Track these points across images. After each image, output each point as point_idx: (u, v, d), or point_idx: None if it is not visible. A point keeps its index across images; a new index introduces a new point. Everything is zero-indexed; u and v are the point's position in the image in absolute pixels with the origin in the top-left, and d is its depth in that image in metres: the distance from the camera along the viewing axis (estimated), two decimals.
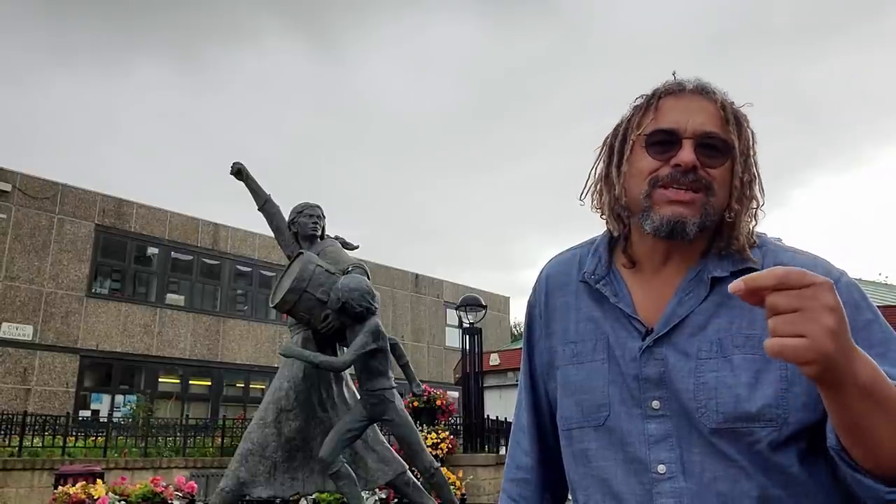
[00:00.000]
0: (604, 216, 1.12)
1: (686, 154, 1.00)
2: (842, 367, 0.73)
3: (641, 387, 1.02)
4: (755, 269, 1.02)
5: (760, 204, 1.06)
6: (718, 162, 1.02)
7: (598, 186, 1.12)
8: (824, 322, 0.71)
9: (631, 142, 1.07)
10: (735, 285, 0.74)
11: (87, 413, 16.20)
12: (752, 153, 1.05)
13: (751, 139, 1.05)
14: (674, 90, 1.06)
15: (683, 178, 1.00)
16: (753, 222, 1.05)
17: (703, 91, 1.05)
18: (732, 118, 1.03)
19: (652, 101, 1.07)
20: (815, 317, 0.71)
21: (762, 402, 0.94)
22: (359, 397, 5.53)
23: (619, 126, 1.11)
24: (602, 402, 1.05)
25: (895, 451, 0.80)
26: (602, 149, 1.13)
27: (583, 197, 1.14)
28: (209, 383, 19.41)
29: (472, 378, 12.00)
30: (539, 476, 1.21)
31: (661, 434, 0.99)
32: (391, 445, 5.96)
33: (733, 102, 1.06)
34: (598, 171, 1.13)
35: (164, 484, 8.09)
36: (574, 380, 1.09)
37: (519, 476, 1.22)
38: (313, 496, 7.28)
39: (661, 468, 0.98)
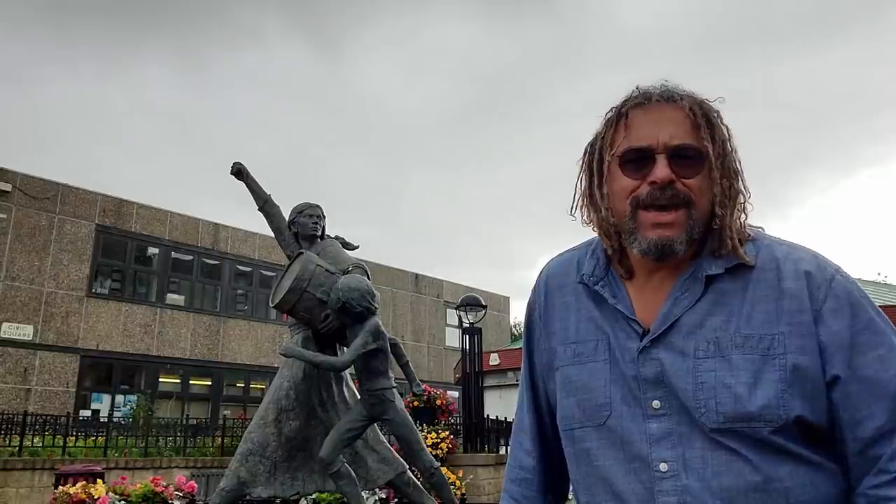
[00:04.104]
0: (594, 230, 1.12)
1: (661, 170, 1.00)
2: None
3: (641, 387, 1.02)
4: (749, 266, 1.02)
5: (747, 197, 1.05)
6: (695, 171, 1.01)
7: (585, 202, 1.12)
8: None
9: (607, 161, 1.06)
10: None
11: (88, 413, 16.20)
12: (729, 150, 1.04)
13: (726, 135, 1.04)
14: (641, 102, 1.05)
15: (662, 195, 1.00)
16: (744, 216, 1.05)
17: (669, 98, 1.04)
18: (703, 122, 1.02)
19: (621, 116, 1.06)
20: None
21: (762, 402, 0.94)
22: (359, 397, 5.53)
23: (594, 143, 1.11)
24: (603, 401, 1.05)
25: None
26: (583, 162, 1.12)
27: (573, 212, 1.14)
28: (209, 383, 19.41)
29: (472, 378, 11.99)
30: (541, 476, 1.21)
31: (663, 432, 0.99)
32: (391, 445, 5.96)
33: (703, 102, 1.05)
34: (583, 188, 1.12)
35: (165, 484, 8.09)
36: (575, 380, 1.09)
37: (521, 476, 1.22)
38: (313, 496, 7.28)
39: (664, 466, 0.98)
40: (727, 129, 1.05)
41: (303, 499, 7.13)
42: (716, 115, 1.05)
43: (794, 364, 0.96)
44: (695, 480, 0.96)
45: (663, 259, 1.01)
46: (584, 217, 1.13)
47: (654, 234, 1.00)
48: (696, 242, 1.03)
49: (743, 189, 1.05)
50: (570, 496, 1.19)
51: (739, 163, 1.05)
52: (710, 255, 1.04)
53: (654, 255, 1.01)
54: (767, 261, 1.03)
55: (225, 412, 17.85)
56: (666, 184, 1.00)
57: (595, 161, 1.09)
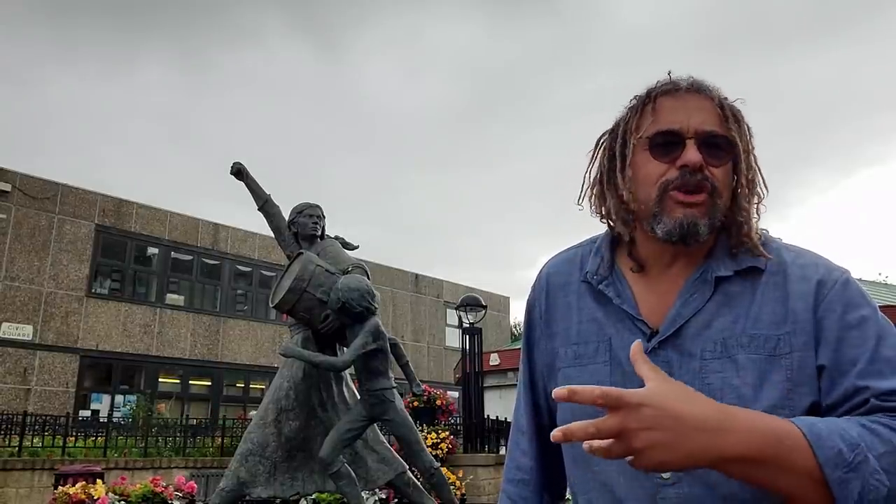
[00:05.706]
0: (604, 220, 1.10)
1: (692, 154, 0.99)
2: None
3: None
4: (759, 269, 1.01)
5: (763, 198, 1.05)
6: (723, 161, 1.01)
7: (597, 190, 1.10)
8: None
9: (632, 145, 1.05)
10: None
11: (87, 413, 16.21)
12: (752, 148, 1.04)
13: (749, 135, 1.04)
14: (669, 89, 1.04)
15: (692, 179, 0.99)
16: (757, 217, 1.04)
17: (698, 89, 1.04)
18: (731, 115, 1.02)
19: (648, 102, 1.05)
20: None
21: (768, 402, 0.93)
22: (359, 397, 5.54)
23: (615, 129, 1.09)
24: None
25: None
26: (596, 151, 1.11)
27: (580, 201, 1.13)
28: (209, 383, 19.42)
29: (472, 378, 12.00)
30: (538, 477, 1.20)
31: None
32: (391, 445, 5.96)
33: (727, 98, 1.05)
34: (595, 175, 1.11)
35: (164, 484, 8.09)
36: (576, 382, 1.07)
37: (518, 477, 1.21)
38: (313, 496, 7.27)
39: (665, 474, 0.96)
40: (750, 130, 1.05)
41: (303, 499, 7.13)
42: (740, 113, 1.05)
43: (801, 362, 0.95)
44: (698, 488, 0.94)
45: (686, 241, 0.99)
46: (595, 206, 1.11)
47: (681, 213, 0.99)
48: (713, 236, 1.02)
49: (761, 191, 1.05)
50: (568, 496, 1.18)
51: (758, 164, 1.05)
52: (723, 255, 1.03)
53: (677, 234, 0.99)
54: (776, 264, 1.02)
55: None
56: (696, 168, 0.99)
57: (618, 146, 1.07)
